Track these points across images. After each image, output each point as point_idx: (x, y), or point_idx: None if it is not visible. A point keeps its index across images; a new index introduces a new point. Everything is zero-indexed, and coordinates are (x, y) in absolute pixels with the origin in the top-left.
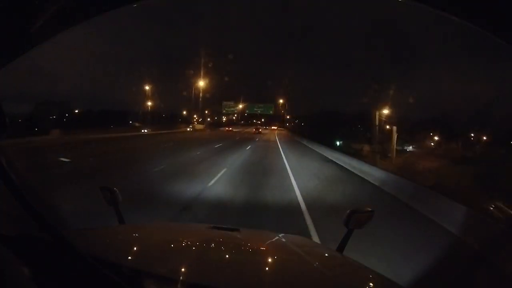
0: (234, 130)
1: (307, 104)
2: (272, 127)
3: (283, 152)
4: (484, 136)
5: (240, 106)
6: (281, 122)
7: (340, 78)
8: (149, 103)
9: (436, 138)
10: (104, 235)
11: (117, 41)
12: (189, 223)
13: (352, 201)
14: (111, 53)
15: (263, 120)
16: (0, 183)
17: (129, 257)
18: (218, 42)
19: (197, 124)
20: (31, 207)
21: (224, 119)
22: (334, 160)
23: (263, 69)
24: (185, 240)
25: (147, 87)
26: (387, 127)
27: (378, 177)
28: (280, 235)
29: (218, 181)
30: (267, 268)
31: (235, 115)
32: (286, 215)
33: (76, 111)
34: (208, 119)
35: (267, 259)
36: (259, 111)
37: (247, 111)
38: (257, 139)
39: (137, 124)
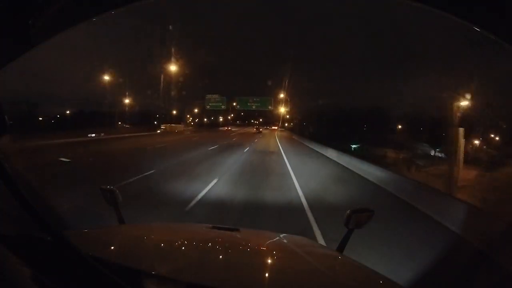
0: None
1: (308, 103)
2: (273, 127)
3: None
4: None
5: (234, 104)
6: (281, 122)
7: (343, 74)
8: (127, 101)
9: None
10: (104, 235)
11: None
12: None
13: None
14: (103, 51)
15: (261, 120)
16: (0, 183)
17: (129, 257)
18: (207, 32)
19: (182, 124)
20: (31, 207)
21: (221, 119)
22: (364, 175)
23: (261, 64)
24: (185, 240)
25: (117, 84)
26: (399, 126)
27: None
28: (281, 235)
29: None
30: (267, 268)
31: (231, 115)
32: None
33: (69, 112)
34: (194, 119)
35: (267, 259)
36: (254, 106)
37: (238, 106)
38: (255, 140)
39: (126, 125)
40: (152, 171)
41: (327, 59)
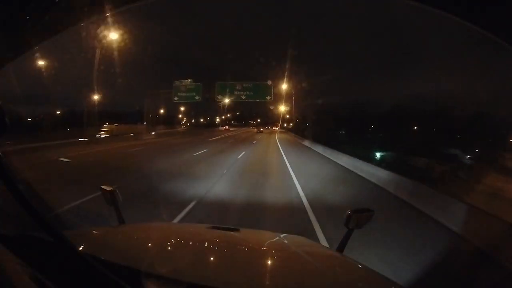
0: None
1: (312, 100)
2: (274, 128)
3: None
4: None
5: (218, 97)
6: (281, 121)
7: (353, 70)
8: (96, 97)
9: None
10: (104, 235)
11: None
12: (189, 223)
13: None
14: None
15: (259, 120)
16: (0, 183)
17: (129, 257)
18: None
19: (141, 125)
20: (31, 207)
21: (217, 119)
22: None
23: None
24: (185, 240)
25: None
26: (415, 128)
27: None
28: (281, 235)
29: None
30: (267, 268)
31: (226, 115)
32: None
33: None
34: (190, 119)
35: (267, 259)
36: (243, 96)
37: (219, 96)
38: (254, 142)
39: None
40: None
41: (335, 54)
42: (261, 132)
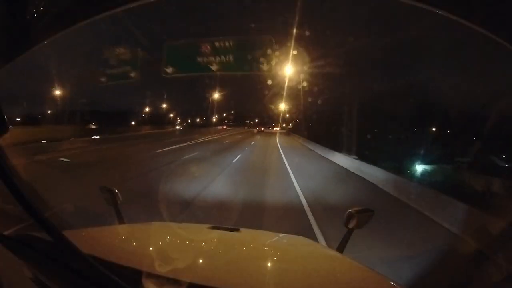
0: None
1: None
2: (275, 129)
3: None
4: None
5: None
6: (281, 121)
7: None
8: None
9: None
10: (104, 235)
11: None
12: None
13: None
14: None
15: (256, 120)
16: (0, 183)
17: (129, 257)
18: None
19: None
20: (31, 207)
21: (214, 119)
22: None
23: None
24: (185, 240)
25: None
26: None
27: None
28: (280, 235)
29: None
30: (267, 268)
31: (217, 114)
32: None
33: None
34: (186, 119)
35: (267, 259)
36: (218, 65)
37: (168, 68)
38: (252, 143)
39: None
40: None
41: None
42: (262, 131)
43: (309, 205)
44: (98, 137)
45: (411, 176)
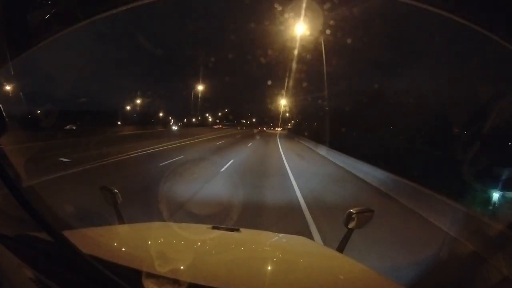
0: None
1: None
2: (276, 129)
3: None
4: None
5: None
6: (280, 120)
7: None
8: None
9: None
10: (104, 235)
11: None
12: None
13: None
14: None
15: (254, 120)
16: (0, 183)
17: (129, 257)
18: None
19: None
20: (31, 207)
21: (210, 118)
22: None
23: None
24: (185, 240)
25: None
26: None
27: None
28: (280, 235)
29: None
30: (267, 269)
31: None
32: None
33: None
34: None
35: (267, 259)
36: None
37: None
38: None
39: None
40: None
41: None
42: (263, 131)
43: None
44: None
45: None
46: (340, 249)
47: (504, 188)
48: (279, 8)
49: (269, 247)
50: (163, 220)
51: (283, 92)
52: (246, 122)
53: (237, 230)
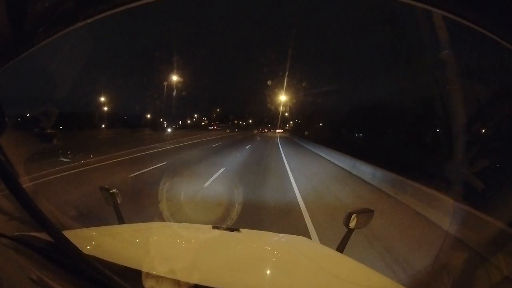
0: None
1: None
2: (277, 131)
3: None
4: None
5: None
6: (280, 121)
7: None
8: None
9: None
10: (104, 235)
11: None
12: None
13: None
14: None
15: (250, 121)
16: (0, 183)
17: (129, 257)
18: None
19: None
20: (31, 207)
21: (209, 121)
22: None
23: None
24: (185, 240)
25: None
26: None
27: None
28: (280, 235)
29: None
30: (267, 269)
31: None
32: None
33: None
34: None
35: (267, 260)
36: None
37: None
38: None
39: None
40: None
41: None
42: (265, 132)
43: None
44: None
45: None
46: (340, 249)
47: None
48: None
49: (269, 247)
50: (163, 220)
51: (282, 90)
52: (242, 123)
53: (237, 230)
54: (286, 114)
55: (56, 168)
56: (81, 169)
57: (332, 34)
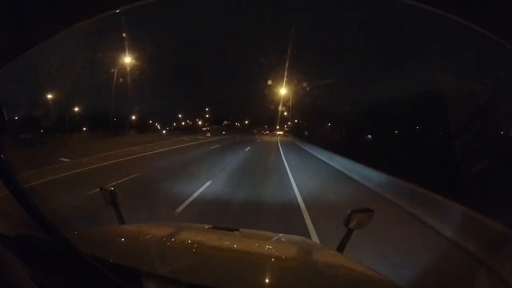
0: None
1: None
2: (278, 132)
3: None
4: None
5: None
6: (279, 122)
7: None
8: None
9: None
10: (104, 235)
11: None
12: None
13: None
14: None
15: (246, 122)
16: (0, 183)
17: (129, 257)
18: None
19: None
20: (31, 207)
21: (200, 122)
22: None
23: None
24: (185, 240)
25: None
26: None
27: None
28: (280, 235)
29: None
30: (267, 268)
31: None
32: None
33: None
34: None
35: (267, 259)
36: None
37: None
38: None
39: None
40: None
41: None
42: (267, 134)
43: None
44: None
45: None
46: (340, 249)
47: None
48: None
49: (269, 247)
50: (163, 221)
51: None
52: (238, 125)
53: (237, 230)
54: (285, 113)
55: None
56: None
57: (332, 32)
